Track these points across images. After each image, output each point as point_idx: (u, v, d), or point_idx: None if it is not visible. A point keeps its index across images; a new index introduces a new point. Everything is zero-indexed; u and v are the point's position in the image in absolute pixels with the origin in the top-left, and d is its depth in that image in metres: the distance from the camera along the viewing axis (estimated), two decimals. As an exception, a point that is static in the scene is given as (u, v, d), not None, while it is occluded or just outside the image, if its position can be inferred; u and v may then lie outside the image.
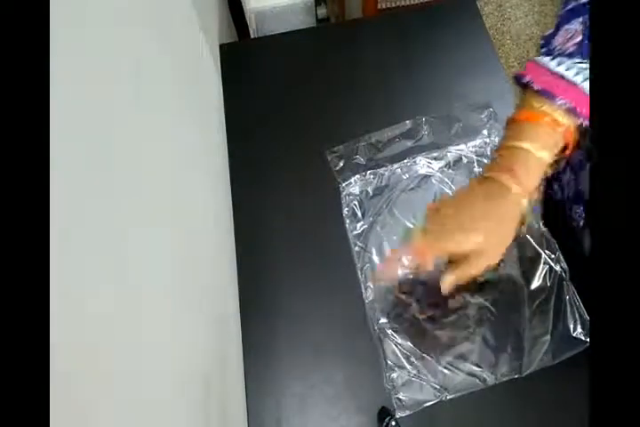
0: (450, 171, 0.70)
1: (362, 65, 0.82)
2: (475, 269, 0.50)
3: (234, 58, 0.84)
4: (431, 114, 0.75)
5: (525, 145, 0.49)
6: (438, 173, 0.70)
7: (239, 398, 0.62)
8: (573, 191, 0.62)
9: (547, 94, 0.48)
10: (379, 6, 1.38)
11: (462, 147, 0.72)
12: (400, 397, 0.60)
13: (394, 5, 1.40)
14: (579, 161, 0.60)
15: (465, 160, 0.71)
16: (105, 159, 0.35)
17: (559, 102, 0.48)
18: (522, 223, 0.50)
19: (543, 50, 0.50)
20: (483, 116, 0.74)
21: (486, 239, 0.49)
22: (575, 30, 0.48)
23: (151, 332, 0.40)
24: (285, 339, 0.65)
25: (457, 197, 0.53)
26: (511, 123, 0.51)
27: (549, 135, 0.49)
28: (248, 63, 0.83)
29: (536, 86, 0.49)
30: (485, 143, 0.72)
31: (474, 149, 0.71)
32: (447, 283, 0.51)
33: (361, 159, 0.72)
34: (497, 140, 0.72)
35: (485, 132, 0.73)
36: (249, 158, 0.75)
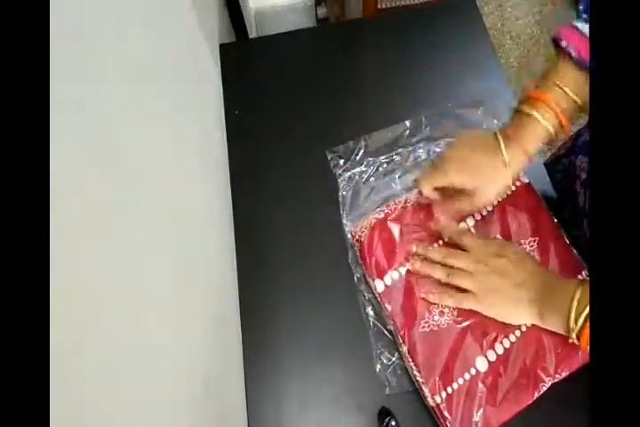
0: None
1: (362, 65, 0.82)
2: (465, 205, 0.60)
3: (234, 58, 0.84)
4: (431, 113, 0.75)
5: (533, 112, 0.55)
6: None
7: (239, 398, 0.62)
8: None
9: (581, 62, 0.52)
10: (379, 6, 1.38)
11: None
12: (388, 377, 0.61)
13: (394, 5, 1.40)
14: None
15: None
16: (104, 159, 0.35)
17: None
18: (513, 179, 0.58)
19: (585, 16, 0.52)
20: (481, 113, 0.74)
21: (470, 180, 0.58)
22: None
23: (151, 332, 0.40)
24: (285, 339, 0.65)
25: (460, 143, 0.61)
26: (525, 95, 0.57)
27: (552, 111, 0.55)
28: (248, 63, 0.83)
29: (573, 53, 0.52)
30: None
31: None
32: (445, 211, 0.63)
33: (361, 159, 0.72)
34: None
35: (484, 127, 0.73)
36: (249, 158, 0.75)
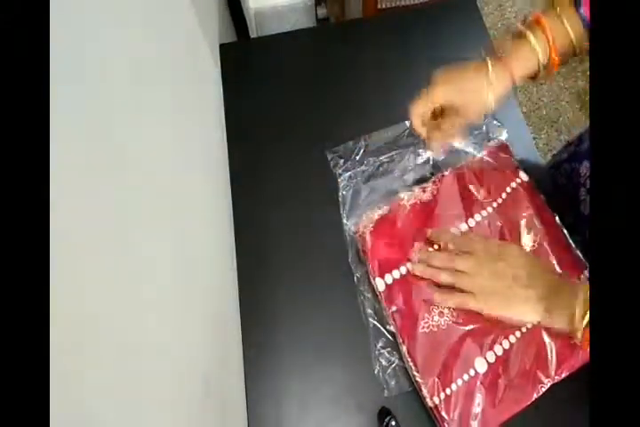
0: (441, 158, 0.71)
1: (362, 65, 0.82)
2: (451, 122, 0.60)
3: (234, 58, 0.84)
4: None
5: (527, 31, 0.55)
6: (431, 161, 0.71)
7: (239, 398, 0.62)
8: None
9: (579, 6, 0.53)
10: (379, 6, 1.38)
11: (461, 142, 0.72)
12: (386, 378, 0.61)
13: (394, 5, 1.40)
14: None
15: (460, 152, 0.71)
16: (104, 160, 0.35)
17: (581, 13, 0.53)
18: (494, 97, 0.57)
19: None
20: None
21: (454, 95, 0.58)
22: None
23: (151, 332, 0.40)
24: (285, 339, 0.65)
25: (449, 67, 0.61)
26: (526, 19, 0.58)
27: (545, 37, 0.54)
28: (248, 63, 0.83)
29: None
30: (483, 139, 0.72)
31: (471, 143, 0.71)
32: (435, 139, 0.61)
33: (361, 159, 0.72)
34: (495, 135, 0.72)
35: (484, 128, 0.73)
36: (249, 158, 0.75)
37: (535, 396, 0.56)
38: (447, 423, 0.55)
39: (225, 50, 0.85)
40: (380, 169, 0.72)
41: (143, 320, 0.39)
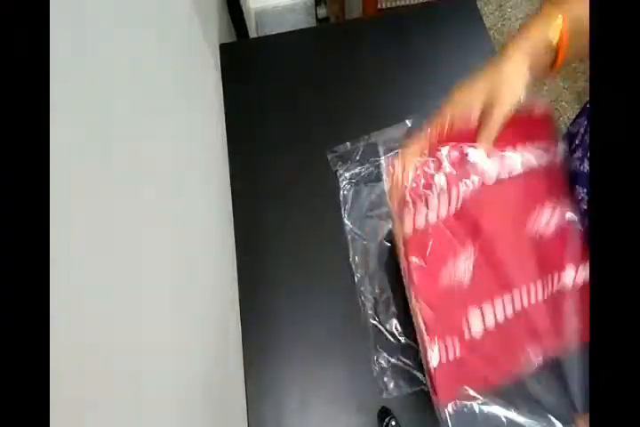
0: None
1: (362, 65, 0.82)
2: (493, 120, 0.52)
3: (234, 58, 0.84)
4: (431, 113, 0.75)
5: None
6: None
7: (239, 398, 0.62)
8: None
9: None
10: (379, 6, 1.38)
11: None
12: (385, 380, 0.60)
13: (394, 5, 1.40)
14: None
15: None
16: (104, 160, 0.35)
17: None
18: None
19: None
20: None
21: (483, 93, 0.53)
22: None
23: (151, 332, 0.40)
24: (285, 339, 0.65)
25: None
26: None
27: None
28: (248, 63, 0.83)
29: None
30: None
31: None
32: (484, 141, 0.54)
33: (361, 159, 0.72)
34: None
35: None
36: (249, 158, 0.75)
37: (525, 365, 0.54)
38: (436, 390, 0.53)
39: (225, 50, 0.85)
40: (381, 169, 0.72)
41: (143, 321, 0.39)
